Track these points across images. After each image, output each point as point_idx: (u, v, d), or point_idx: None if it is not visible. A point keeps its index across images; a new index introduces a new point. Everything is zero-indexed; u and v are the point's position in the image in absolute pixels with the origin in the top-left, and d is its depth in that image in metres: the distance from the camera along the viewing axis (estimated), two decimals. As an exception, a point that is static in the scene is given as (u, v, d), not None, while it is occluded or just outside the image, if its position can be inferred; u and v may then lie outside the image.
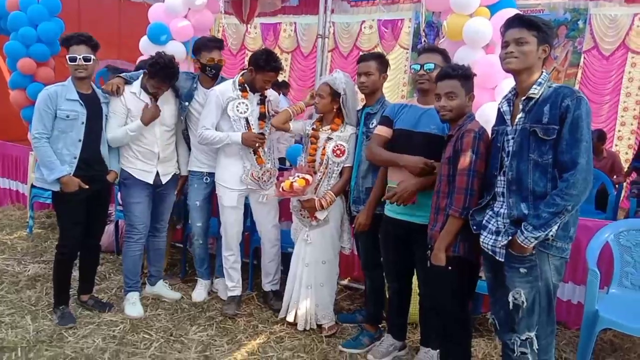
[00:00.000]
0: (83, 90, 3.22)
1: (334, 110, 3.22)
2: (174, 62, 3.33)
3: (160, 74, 3.26)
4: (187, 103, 3.55)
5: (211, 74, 3.57)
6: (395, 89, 9.32)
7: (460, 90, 2.47)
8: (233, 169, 3.46)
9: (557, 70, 8.07)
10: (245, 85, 3.42)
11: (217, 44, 3.57)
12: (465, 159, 2.35)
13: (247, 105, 3.39)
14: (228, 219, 3.52)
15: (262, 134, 3.42)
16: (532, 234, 2.06)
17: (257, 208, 3.57)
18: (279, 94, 4.03)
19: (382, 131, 2.91)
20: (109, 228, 4.42)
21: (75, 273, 3.50)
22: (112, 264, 4.37)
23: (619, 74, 7.85)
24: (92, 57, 3.17)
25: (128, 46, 7.25)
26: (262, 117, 3.44)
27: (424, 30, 3.79)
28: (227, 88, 3.43)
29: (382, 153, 2.84)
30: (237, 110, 3.38)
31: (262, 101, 3.47)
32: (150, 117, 3.33)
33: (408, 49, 9.06)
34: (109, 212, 3.93)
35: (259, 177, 3.43)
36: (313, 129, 3.29)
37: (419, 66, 2.79)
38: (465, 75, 2.49)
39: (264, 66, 3.30)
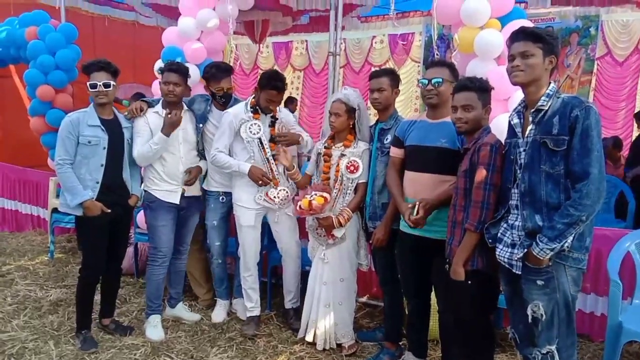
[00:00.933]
0: (104, 116, 3.32)
1: (349, 126, 3.28)
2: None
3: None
4: (201, 125, 3.64)
5: (221, 102, 3.66)
6: (408, 102, 9.38)
7: (477, 102, 2.50)
8: (249, 189, 3.52)
9: (570, 78, 8.05)
10: (257, 106, 3.49)
11: (224, 73, 3.63)
12: (482, 173, 2.37)
13: (259, 126, 3.46)
14: (246, 239, 3.57)
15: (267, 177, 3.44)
16: (548, 246, 2.07)
17: (277, 225, 3.61)
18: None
19: (395, 152, 2.99)
20: (129, 251, 4.51)
21: (97, 297, 3.57)
22: (132, 286, 4.45)
23: (633, 79, 7.80)
24: (112, 83, 3.27)
25: (143, 69, 7.44)
26: (272, 139, 3.49)
27: (436, 44, 3.84)
28: (240, 110, 3.51)
29: (391, 185, 2.95)
30: (250, 132, 3.45)
31: (273, 123, 3.52)
32: (170, 125, 3.39)
33: (420, 62, 9.13)
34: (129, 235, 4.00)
35: (274, 197, 3.49)
36: (325, 147, 3.34)
37: (427, 81, 2.83)
38: (482, 88, 2.53)
39: (265, 85, 3.38)
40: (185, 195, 3.57)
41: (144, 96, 4.44)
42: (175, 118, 3.40)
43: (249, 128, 3.45)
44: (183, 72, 3.48)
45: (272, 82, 3.38)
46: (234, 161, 3.48)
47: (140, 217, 4.21)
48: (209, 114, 3.67)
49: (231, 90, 3.69)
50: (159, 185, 3.52)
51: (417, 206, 2.70)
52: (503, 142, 2.40)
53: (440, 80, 2.80)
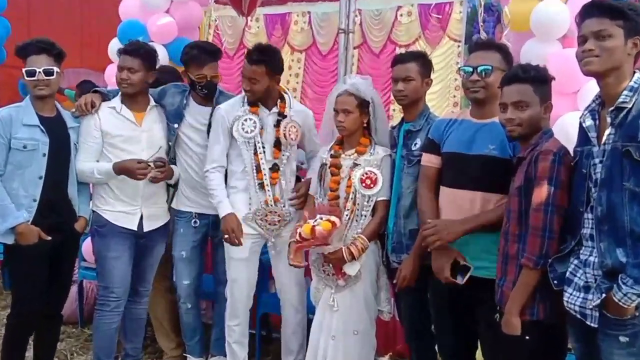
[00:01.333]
0: (45, 113, 3.34)
1: (362, 125, 3.31)
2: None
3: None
4: (175, 125, 3.66)
5: (202, 93, 3.68)
6: (445, 94, 9.38)
7: (533, 97, 2.51)
8: (241, 206, 3.54)
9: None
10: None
11: (209, 56, 3.66)
12: (542, 190, 2.37)
13: (255, 122, 3.48)
14: (237, 275, 3.58)
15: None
16: (634, 290, 2.06)
17: (277, 260, 3.61)
18: None
19: (429, 160, 2.99)
20: (72, 291, 4.51)
21: (28, 352, 3.55)
22: (76, 339, 4.43)
23: None
24: (56, 69, 3.30)
25: (93, 50, 7.50)
26: (277, 143, 3.52)
27: (482, 17, 3.85)
28: (234, 103, 3.57)
29: (423, 206, 2.95)
30: (242, 130, 3.48)
31: (279, 122, 3.52)
32: (126, 168, 3.40)
33: (460, 42, 9.15)
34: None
35: (263, 218, 3.51)
36: (332, 155, 3.35)
37: (471, 69, 2.84)
38: (539, 79, 2.54)
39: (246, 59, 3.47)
40: (147, 219, 3.59)
41: (94, 85, 4.48)
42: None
43: (242, 125, 3.49)
44: (144, 55, 3.51)
45: (252, 55, 3.46)
46: (220, 192, 3.52)
47: (86, 247, 4.23)
48: (185, 110, 3.70)
49: (217, 79, 3.72)
50: (111, 204, 3.54)
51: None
52: (572, 150, 2.41)
53: (489, 67, 2.81)
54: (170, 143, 3.67)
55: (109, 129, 3.48)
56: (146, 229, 3.60)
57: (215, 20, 9.98)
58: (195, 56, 3.64)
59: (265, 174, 3.50)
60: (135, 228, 3.55)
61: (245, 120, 3.48)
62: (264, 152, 3.51)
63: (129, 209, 3.54)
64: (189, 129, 3.68)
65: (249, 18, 8.67)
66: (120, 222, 3.53)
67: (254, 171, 3.51)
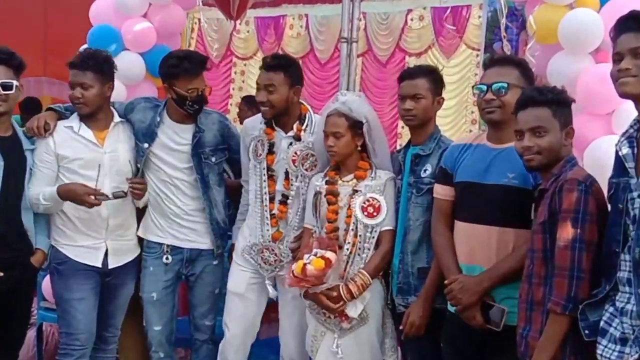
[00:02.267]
0: (0, 132, 3.35)
1: (357, 149, 3.34)
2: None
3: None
4: (145, 145, 3.66)
5: (192, 110, 3.65)
6: (461, 110, 9.43)
7: (552, 122, 2.53)
8: (246, 234, 3.61)
9: None
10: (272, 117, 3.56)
11: (200, 67, 3.65)
12: (567, 225, 2.38)
13: (264, 145, 3.53)
14: (231, 312, 3.60)
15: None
16: (677, 344, 2.07)
17: (283, 303, 3.61)
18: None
19: (442, 192, 3.02)
20: (29, 335, 4.48)
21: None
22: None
23: None
24: (15, 83, 3.32)
25: (58, 57, 7.48)
26: (287, 173, 3.54)
27: (504, 24, 3.85)
28: (256, 120, 3.66)
29: (440, 244, 2.99)
30: (255, 153, 3.55)
31: (291, 143, 3.54)
32: (72, 192, 3.39)
33: (479, 51, 9.21)
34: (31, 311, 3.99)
35: (258, 254, 3.52)
36: (327, 182, 3.37)
37: (485, 87, 2.88)
38: (558, 101, 2.56)
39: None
40: (112, 254, 3.58)
41: (37, 104, 4.48)
42: (81, 189, 3.42)
43: (254, 146, 3.55)
44: (95, 66, 3.50)
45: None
46: None
47: (47, 285, 4.21)
48: (158, 128, 3.69)
49: (208, 91, 3.73)
50: (71, 238, 3.54)
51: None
52: (607, 181, 2.41)
53: (505, 85, 2.84)
54: (138, 165, 3.67)
55: (65, 152, 3.48)
56: (112, 265, 3.60)
57: (202, 24, 9.97)
58: (186, 69, 3.59)
59: (266, 205, 3.54)
60: (99, 265, 3.54)
61: (259, 141, 3.55)
62: (276, 180, 3.55)
63: (92, 242, 3.55)
64: (162, 150, 3.67)
65: (238, 21, 8.73)
66: (82, 258, 3.52)
67: (258, 200, 3.56)
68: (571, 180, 2.43)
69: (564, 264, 2.38)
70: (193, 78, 3.60)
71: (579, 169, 2.54)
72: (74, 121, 3.54)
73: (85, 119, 3.54)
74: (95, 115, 3.55)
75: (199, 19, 9.49)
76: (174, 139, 3.67)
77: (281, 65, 3.52)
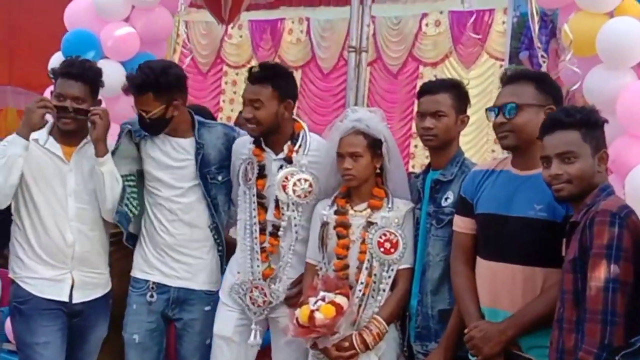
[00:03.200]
0: None
1: (374, 174, 3.35)
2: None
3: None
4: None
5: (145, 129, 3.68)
6: (483, 128, 9.45)
7: (582, 147, 2.57)
8: (234, 270, 3.60)
9: None
10: (261, 138, 3.56)
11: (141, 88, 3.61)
12: (600, 263, 2.40)
13: (254, 167, 3.51)
14: (217, 359, 3.59)
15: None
16: None
17: (277, 348, 3.60)
18: None
19: (461, 225, 3.05)
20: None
21: None
22: None
23: None
24: None
25: (27, 64, 7.52)
26: (277, 201, 3.50)
27: (537, 33, 3.83)
28: (245, 142, 3.65)
29: (459, 284, 3.01)
30: (245, 176, 3.54)
31: (282, 166, 3.51)
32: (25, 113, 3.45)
33: (503, 60, 9.26)
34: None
35: (245, 294, 3.51)
36: (337, 212, 3.36)
37: (496, 110, 2.92)
38: (588, 122, 2.59)
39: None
40: (79, 287, 3.59)
41: None
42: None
43: (245, 170, 3.54)
44: (93, 79, 3.58)
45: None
46: None
47: (10, 325, 4.22)
48: (144, 146, 3.72)
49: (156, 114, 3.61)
50: (32, 270, 3.57)
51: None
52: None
53: (514, 105, 2.86)
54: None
55: (32, 169, 3.53)
56: (77, 300, 3.60)
57: (185, 26, 9.97)
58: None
59: (255, 237, 3.52)
60: (65, 299, 3.56)
61: (248, 163, 3.54)
62: (266, 208, 3.53)
63: (56, 274, 3.56)
64: (157, 167, 3.67)
65: (230, 25, 8.76)
66: (46, 293, 3.54)
67: (247, 231, 3.54)
68: (603, 211, 2.45)
69: (595, 307, 2.39)
70: (134, 96, 3.63)
71: (615, 198, 2.56)
72: (41, 135, 3.58)
73: (57, 133, 3.59)
74: (75, 135, 3.61)
75: (186, 22, 9.50)
76: (171, 155, 3.67)
77: (268, 76, 3.50)
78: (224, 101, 11.00)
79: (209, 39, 10.84)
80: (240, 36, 11.03)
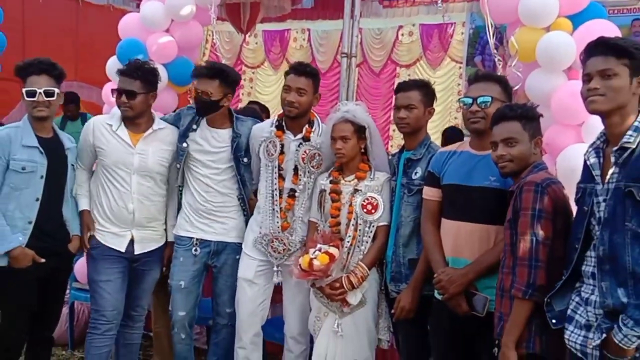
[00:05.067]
0: (43, 134, 3.40)
1: (360, 152, 3.39)
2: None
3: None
4: (184, 144, 3.67)
5: (196, 108, 3.68)
6: (446, 116, 9.49)
7: (522, 134, 2.63)
8: (254, 227, 3.62)
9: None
10: (283, 121, 3.58)
11: (209, 72, 3.62)
12: (525, 220, 2.47)
13: (276, 145, 3.54)
14: (239, 296, 3.62)
15: None
16: (634, 331, 2.10)
17: (286, 287, 3.63)
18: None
19: (430, 194, 3.07)
20: (63, 313, 4.51)
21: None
22: (66, 362, 4.45)
23: None
24: (57, 90, 3.35)
25: (88, 63, 7.51)
26: (295, 168, 3.55)
27: (493, 36, 3.85)
28: (264, 126, 3.66)
29: (428, 240, 3.03)
30: (267, 153, 3.57)
31: (300, 147, 3.55)
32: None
33: (462, 63, 9.27)
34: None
35: (268, 244, 3.53)
36: (331, 181, 3.42)
37: (471, 100, 2.93)
38: (527, 116, 2.65)
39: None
40: (138, 242, 3.61)
41: (76, 98, 4.46)
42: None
43: (266, 148, 3.57)
44: (143, 76, 3.54)
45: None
46: None
47: (78, 267, 4.25)
48: (194, 132, 3.68)
49: (208, 94, 3.58)
50: (102, 225, 3.58)
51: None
52: (576, 185, 2.46)
53: (489, 99, 2.90)
54: (178, 165, 3.69)
55: (102, 146, 3.53)
56: (137, 251, 3.61)
57: (213, 34, 9.96)
58: (199, 72, 3.65)
59: (276, 200, 3.55)
60: (123, 250, 3.57)
61: (270, 142, 3.56)
62: (284, 177, 3.55)
63: (118, 230, 3.58)
64: (199, 153, 3.67)
65: (247, 34, 8.76)
66: (109, 242, 3.56)
67: (269, 196, 3.57)
68: (529, 182, 2.52)
69: (523, 255, 2.47)
70: (197, 78, 3.63)
71: (541, 172, 2.60)
72: (114, 119, 3.59)
73: (126, 121, 3.58)
74: (136, 119, 3.57)
75: (213, 32, 9.48)
76: (211, 142, 3.65)
77: (312, 73, 3.56)
78: (242, 94, 10.94)
79: (231, 45, 10.81)
80: (256, 43, 11.01)
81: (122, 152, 3.56)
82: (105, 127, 3.57)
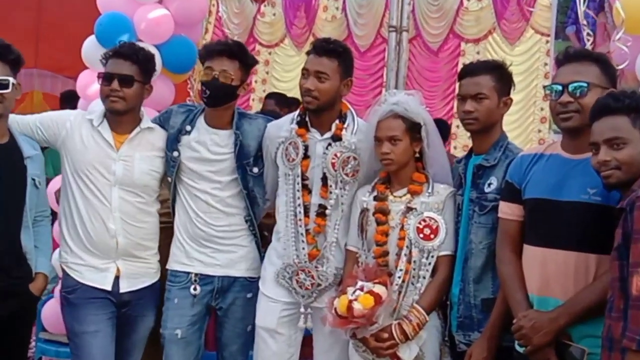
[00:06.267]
0: None
1: (413, 157, 3.39)
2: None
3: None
4: (175, 153, 3.68)
5: (205, 95, 3.63)
6: (529, 106, 9.39)
7: (631, 132, 2.58)
8: (275, 259, 3.61)
9: None
10: (307, 116, 3.58)
11: (222, 47, 3.66)
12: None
13: (299, 147, 3.52)
14: (261, 351, 3.61)
15: None
16: None
17: (318, 337, 3.63)
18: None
19: (508, 212, 3.06)
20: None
21: None
22: None
23: None
24: (12, 80, 3.35)
25: (53, 48, 7.55)
26: (324, 178, 3.54)
27: (582, 10, 3.79)
28: (284, 122, 3.67)
29: (506, 272, 3.01)
30: (287, 157, 3.54)
31: (329, 148, 3.54)
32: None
33: (549, 36, 9.18)
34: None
35: (292, 277, 3.53)
36: (376, 197, 3.39)
37: (561, 87, 2.90)
38: (637, 107, 2.60)
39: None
40: (125, 277, 3.63)
41: (74, 97, 4.54)
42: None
43: (285, 151, 3.55)
44: (143, 61, 3.59)
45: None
46: None
47: (46, 313, 4.29)
48: (188, 135, 3.70)
49: (228, 76, 3.62)
50: (77, 256, 3.60)
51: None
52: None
53: (585, 85, 2.86)
54: (169, 178, 3.71)
55: (74, 142, 3.58)
56: (123, 289, 3.63)
57: (217, 4, 9.98)
58: (211, 49, 3.69)
59: (300, 220, 3.53)
60: (108, 288, 3.58)
61: (290, 143, 3.54)
62: (310, 190, 3.54)
63: (98, 262, 3.60)
64: (196, 161, 3.67)
65: (263, 3, 8.79)
66: (90, 280, 3.57)
67: (290, 215, 3.55)
68: None
69: (638, 294, 2.39)
70: (213, 57, 3.63)
71: None
72: (95, 115, 3.63)
73: (111, 118, 3.61)
74: (124, 115, 3.61)
75: (218, 1, 9.48)
76: (211, 148, 3.67)
77: (336, 51, 3.53)
78: (256, 82, 10.93)
79: (241, 17, 10.78)
80: (274, 14, 10.97)
81: (100, 154, 3.58)
82: (83, 124, 3.62)
